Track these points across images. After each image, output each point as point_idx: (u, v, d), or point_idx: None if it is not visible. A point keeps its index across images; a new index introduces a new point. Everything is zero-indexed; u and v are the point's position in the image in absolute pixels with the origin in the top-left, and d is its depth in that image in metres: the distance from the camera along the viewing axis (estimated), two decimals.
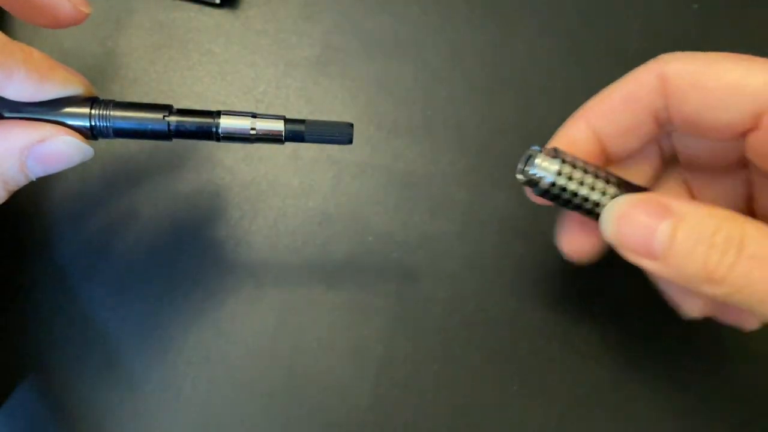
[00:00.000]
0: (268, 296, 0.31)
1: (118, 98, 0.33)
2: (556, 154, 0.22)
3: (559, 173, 0.21)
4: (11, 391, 0.29)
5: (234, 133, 0.22)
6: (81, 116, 0.22)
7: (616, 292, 0.31)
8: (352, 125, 0.23)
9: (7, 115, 0.21)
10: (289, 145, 0.32)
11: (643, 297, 0.27)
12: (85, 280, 0.30)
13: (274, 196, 0.32)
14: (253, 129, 0.22)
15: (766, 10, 0.34)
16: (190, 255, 0.31)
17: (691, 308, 0.23)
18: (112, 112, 0.22)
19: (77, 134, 0.22)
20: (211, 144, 0.32)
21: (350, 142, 0.22)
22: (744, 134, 0.20)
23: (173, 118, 0.22)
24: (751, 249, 0.18)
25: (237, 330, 0.30)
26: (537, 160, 0.21)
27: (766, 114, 0.19)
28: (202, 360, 0.30)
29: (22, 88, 0.20)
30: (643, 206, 0.20)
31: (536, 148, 0.22)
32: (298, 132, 0.22)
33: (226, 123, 0.22)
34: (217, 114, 0.22)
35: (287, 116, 0.23)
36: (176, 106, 0.23)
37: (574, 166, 0.22)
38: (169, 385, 0.30)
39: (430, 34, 0.33)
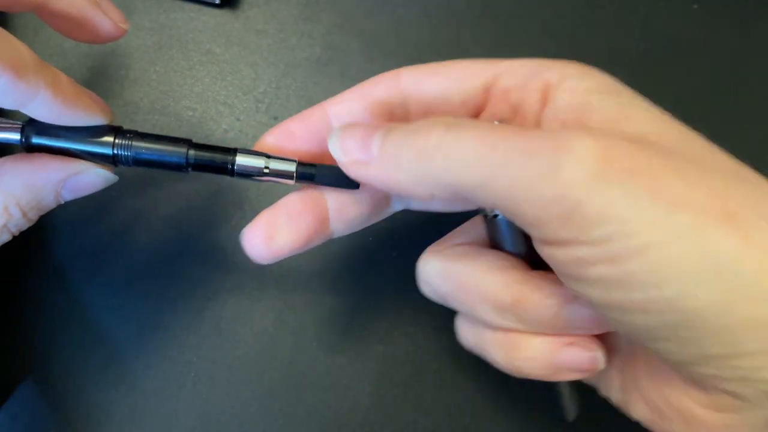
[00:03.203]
0: (268, 296, 0.31)
1: (119, 99, 0.33)
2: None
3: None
4: (11, 391, 0.29)
5: (248, 171, 0.23)
6: (104, 145, 0.23)
7: None
8: None
9: (34, 140, 0.22)
10: None
11: None
12: (86, 281, 0.31)
13: (275, 197, 0.32)
14: (266, 168, 0.23)
15: (766, 9, 0.34)
16: (191, 255, 0.31)
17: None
18: (134, 143, 0.23)
19: (107, 166, 0.23)
20: None
21: (357, 187, 0.23)
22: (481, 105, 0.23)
23: (192, 152, 0.23)
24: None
25: (237, 330, 0.30)
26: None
27: (498, 82, 0.22)
28: (202, 360, 0.30)
29: (46, 109, 0.21)
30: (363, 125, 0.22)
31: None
32: (308, 174, 0.23)
33: (242, 161, 0.23)
34: (234, 151, 0.23)
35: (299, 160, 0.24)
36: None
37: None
38: (169, 385, 0.30)
39: (430, 34, 0.33)
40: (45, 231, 0.31)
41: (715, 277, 0.15)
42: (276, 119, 0.33)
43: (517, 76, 0.22)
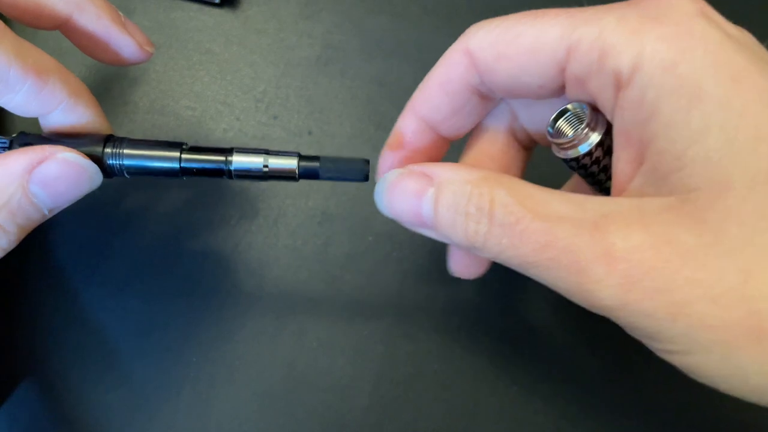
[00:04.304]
0: (268, 296, 0.31)
1: (118, 98, 0.33)
2: (597, 121, 0.20)
3: (601, 143, 0.20)
4: (11, 391, 0.29)
5: (246, 171, 0.22)
6: (94, 155, 0.21)
7: None
8: (368, 161, 0.22)
9: None
10: (289, 144, 0.32)
11: None
12: (85, 281, 0.30)
13: (274, 196, 0.32)
14: (266, 167, 0.22)
15: (766, 9, 0.34)
16: (191, 255, 0.31)
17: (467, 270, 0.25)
18: (124, 151, 0.22)
19: (80, 152, 0.21)
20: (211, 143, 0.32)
21: (366, 179, 0.22)
22: (561, 86, 0.20)
23: (186, 156, 0.22)
24: (498, 217, 0.18)
25: (237, 330, 0.30)
26: (581, 128, 0.20)
27: (568, 66, 0.19)
28: (201, 360, 0.30)
29: (66, 117, 0.21)
30: (408, 178, 0.20)
31: (582, 107, 0.20)
32: (312, 169, 0.22)
33: (239, 161, 0.22)
34: (230, 152, 0.22)
35: (301, 152, 0.22)
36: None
37: (609, 135, 0.20)
38: (169, 385, 0.30)
39: (430, 34, 0.33)
40: (45, 231, 0.31)
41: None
42: (276, 119, 0.33)
43: (583, 63, 0.19)
